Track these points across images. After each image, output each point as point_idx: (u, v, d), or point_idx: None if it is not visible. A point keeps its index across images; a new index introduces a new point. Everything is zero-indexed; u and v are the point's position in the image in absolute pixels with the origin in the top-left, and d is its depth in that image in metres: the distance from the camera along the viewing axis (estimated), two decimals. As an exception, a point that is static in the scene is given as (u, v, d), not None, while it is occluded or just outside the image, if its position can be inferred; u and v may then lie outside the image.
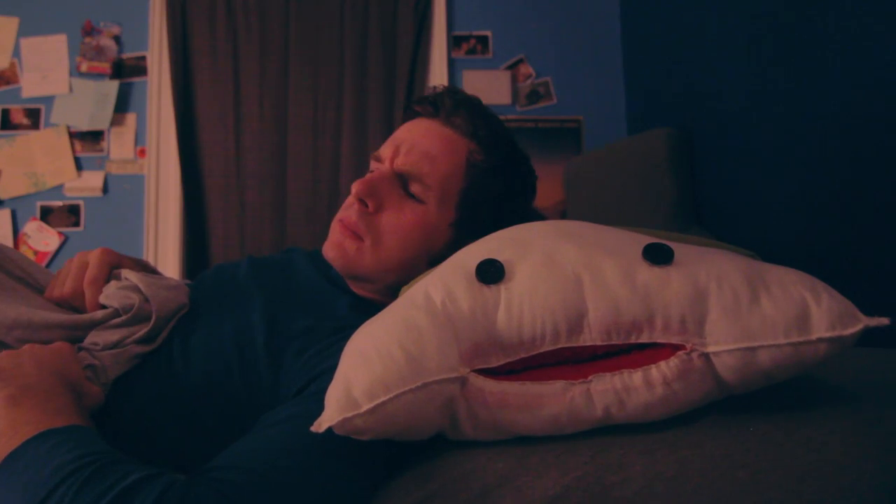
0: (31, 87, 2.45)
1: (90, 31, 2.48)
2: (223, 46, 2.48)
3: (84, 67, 2.46)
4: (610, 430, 0.51)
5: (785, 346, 0.47)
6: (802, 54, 1.45)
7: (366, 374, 0.49)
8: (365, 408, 0.48)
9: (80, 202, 2.44)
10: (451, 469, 0.52)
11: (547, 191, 2.52)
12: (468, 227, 0.77)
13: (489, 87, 2.55)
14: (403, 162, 0.76)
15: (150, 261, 2.45)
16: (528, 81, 2.60)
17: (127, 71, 2.50)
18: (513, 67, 2.61)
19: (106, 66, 2.47)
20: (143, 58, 2.51)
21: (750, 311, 0.49)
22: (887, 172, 1.21)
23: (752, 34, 1.65)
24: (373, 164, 0.81)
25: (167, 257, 2.46)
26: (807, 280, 0.51)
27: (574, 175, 2.31)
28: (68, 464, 0.46)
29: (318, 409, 0.52)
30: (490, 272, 0.54)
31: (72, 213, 2.43)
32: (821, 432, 0.47)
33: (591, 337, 0.50)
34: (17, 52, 2.46)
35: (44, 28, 2.47)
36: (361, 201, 0.75)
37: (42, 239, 2.40)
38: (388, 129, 2.43)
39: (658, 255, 0.51)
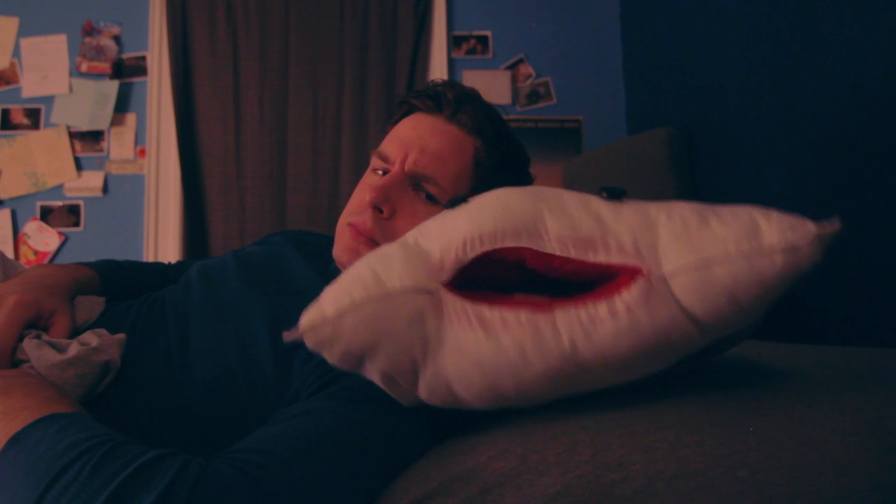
0: (31, 87, 2.45)
1: (90, 31, 2.48)
2: (223, 46, 2.48)
3: (84, 67, 2.46)
4: (610, 429, 0.51)
5: (737, 257, 0.48)
6: (802, 54, 1.45)
7: (335, 290, 0.53)
8: (330, 315, 0.51)
9: (80, 202, 2.44)
10: (451, 467, 0.53)
11: (547, 191, 2.52)
12: None
13: (489, 87, 2.55)
14: (416, 164, 0.75)
15: (151, 261, 2.45)
16: (528, 81, 2.60)
17: (127, 71, 2.50)
18: (513, 67, 2.61)
19: (106, 66, 2.47)
20: (143, 58, 2.51)
21: (700, 233, 0.50)
22: (888, 171, 1.21)
23: (752, 34, 1.65)
24: (376, 163, 0.80)
25: (167, 258, 2.46)
26: (758, 208, 0.52)
27: (574, 175, 2.32)
28: (83, 441, 0.45)
29: (338, 406, 0.54)
30: (456, 201, 0.60)
31: (72, 213, 2.43)
32: (821, 432, 0.47)
33: (549, 244, 0.53)
34: (17, 52, 2.46)
35: (44, 28, 2.47)
36: (376, 208, 0.74)
37: (42, 239, 2.41)
38: (388, 129, 2.43)
39: (611, 192, 0.56)
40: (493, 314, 0.52)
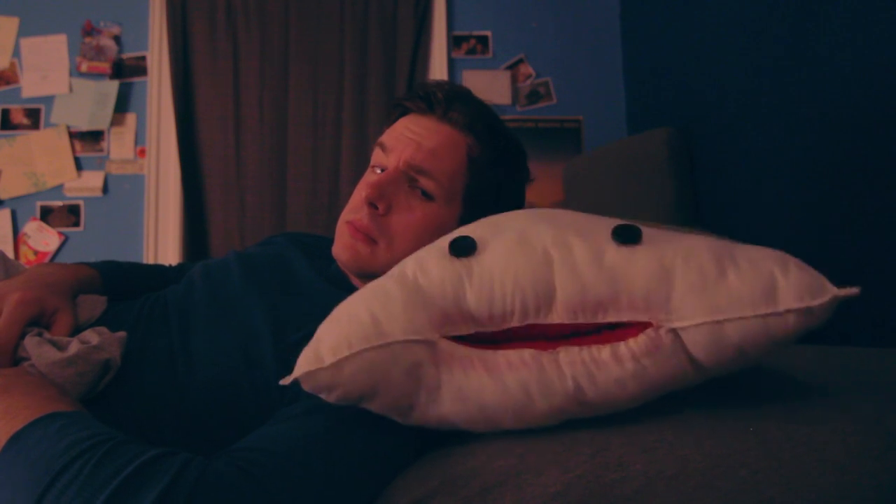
0: (31, 87, 2.45)
1: (90, 31, 2.48)
2: (223, 46, 2.48)
3: (84, 67, 2.46)
4: (610, 429, 0.51)
5: (752, 318, 0.47)
6: (802, 54, 1.45)
7: (333, 333, 0.52)
8: (328, 362, 0.50)
9: (80, 202, 2.44)
10: (451, 467, 0.53)
11: (547, 191, 2.52)
12: (473, 218, 0.77)
13: (489, 87, 2.55)
14: (411, 160, 0.76)
15: (150, 261, 2.46)
16: (528, 81, 2.60)
17: (127, 71, 2.50)
18: (513, 67, 2.61)
19: (106, 66, 2.47)
20: (143, 58, 2.51)
21: (716, 285, 0.49)
22: (887, 171, 1.21)
23: (752, 34, 1.65)
24: (376, 157, 0.81)
25: (167, 257, 2.46)
26: (777, 255, 0.51)
27: (574, 175, 2.32)
28: (84, 440, 0.45)
29: (338, 406, 0.53)
30: (462, 246, 0.55)
31: (72, 213, 2.43)
32: (821, 432, 0.47)
33: (558, 315, 0.51)
34: (17, 52, 2.46)
35: (44, 28, 2.47)
36: (372, 205, 0.75)
37: (42, 239, 2.40)
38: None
39: (626, 235, 0.53)
40: (497, 356, 0.51)
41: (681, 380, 0.51)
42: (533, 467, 0.49)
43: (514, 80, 2.60)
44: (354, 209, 0.78)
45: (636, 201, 2.00)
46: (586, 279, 0.51)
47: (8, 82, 2.45)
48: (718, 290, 0.49)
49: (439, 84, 0.82)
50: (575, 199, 2.30)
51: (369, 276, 0.76)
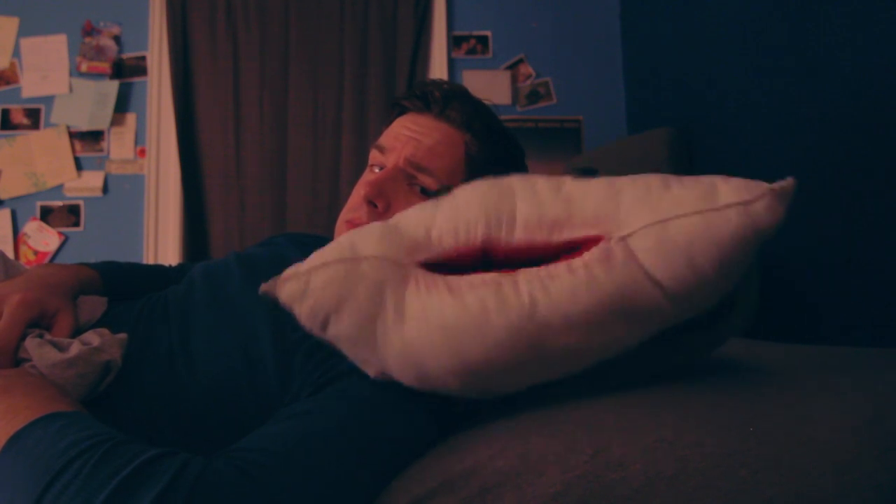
0: (31, 87, 2.45)
1: (90, 31, 2.48)
2: (223, 46, 2.48)
3: (84, 67, 2.46)
4: (610, 429, 0.51)
5: (692, 215, 0.49)
6: (802, 54, 1.45)
7: (315, 253, 0.58)
8: (302, 270, 0.56)
9: (80, 202, 2.44)
10: (451, 467, 0.53)
11: (547, 191, 2.52)
12: None
13: (489, 87, 2.55)
14: (411, 157, 0.76)
15: (150, 261, 2.46)
16: (528, 81, 2.60)
17: (127, 71, 2.50)
18: (513, 67, 2.61)
19: (106, 66, 2.47)
20: (143, 58, 2.51)
21: (660, 195, 0.52)
22: (887, 171, 1.22)
23: (752, 34, 1.65)
24: (374, 158, 0.81)
25: (167, 257, 2.46)
26: (723, 175, 0.54)
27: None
28: (84, 440, 0.45)
29: (338, 405, 0.55)
30: (439, 191, 0.63)
31: (72, 213, 2.43)
32: (821, 432, 0.47)
33: (518, 233, 0.56)
34: (17, 52, 2.46)
35: (44, 28, 2.47)
36: (371, 203, 0.75)
37: (42, 239, 2.41)
38: (388, 129, 2.43)
39: (584, 171, 0.58)
40: (461, 280, 0.54)
41: (644, 301, 0.51)
42: (533, 467, 0.49)
43: (514, 80, 2.60)
44: (353, 208, 0.78)
45: (636, 201, 2.00)
46: (545, 202, 0.56)
47: (8, 82, 2.45)
48: (662, 198, 0.51)
49: (436, 82, 0.83)
50: (575, 199, 2.30)
51: None
